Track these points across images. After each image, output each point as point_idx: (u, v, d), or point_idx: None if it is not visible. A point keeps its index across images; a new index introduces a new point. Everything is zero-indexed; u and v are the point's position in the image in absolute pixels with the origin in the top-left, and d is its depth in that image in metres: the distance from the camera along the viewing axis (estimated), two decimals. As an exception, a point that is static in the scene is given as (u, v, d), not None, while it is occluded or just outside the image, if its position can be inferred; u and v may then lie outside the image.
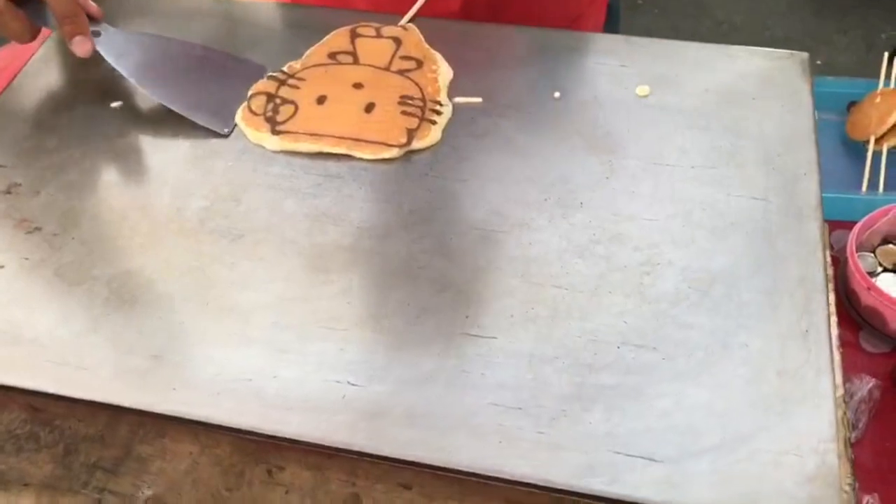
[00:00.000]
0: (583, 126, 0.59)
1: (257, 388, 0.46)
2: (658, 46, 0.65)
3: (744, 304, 0.48)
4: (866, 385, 0.71)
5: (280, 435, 0.45)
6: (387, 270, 0.51)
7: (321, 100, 0.60)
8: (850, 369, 0.72)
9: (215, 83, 0.61)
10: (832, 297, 0.67)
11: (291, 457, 0.49)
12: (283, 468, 0.49)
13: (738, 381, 0.45)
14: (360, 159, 0.57)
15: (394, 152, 0.57)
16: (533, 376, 0.46)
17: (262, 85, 0.62)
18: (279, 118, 0.59)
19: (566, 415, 0.44)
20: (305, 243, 0.53)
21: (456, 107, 0.61)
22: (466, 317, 0.49)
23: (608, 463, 0.43)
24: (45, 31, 0.66)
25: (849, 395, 0.71)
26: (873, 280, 0.76)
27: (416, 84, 0.61)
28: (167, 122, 0.61)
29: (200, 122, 0.59)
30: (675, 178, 0.55)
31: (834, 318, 0.67)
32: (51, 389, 0.47)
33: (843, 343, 0.65)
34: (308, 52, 0.65)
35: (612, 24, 0.90)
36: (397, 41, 0.64)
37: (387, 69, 0.63)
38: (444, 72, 0.63)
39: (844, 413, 0.62)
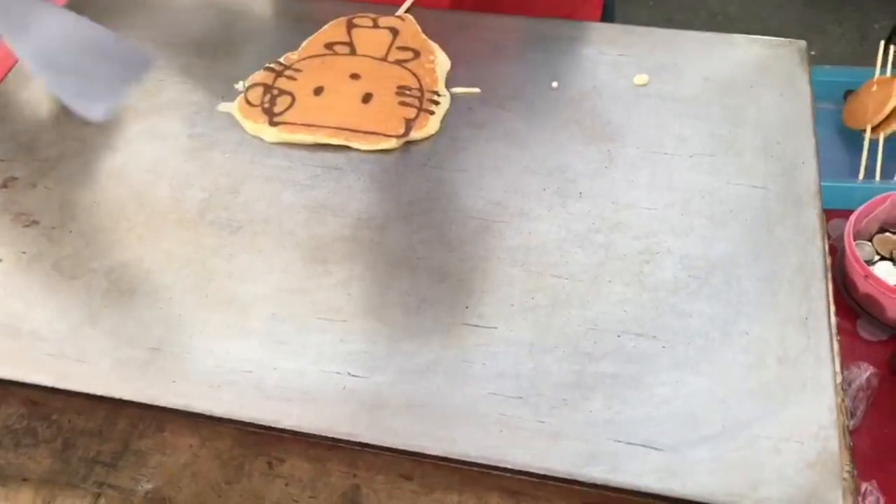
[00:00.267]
0: (581, 115, 0.59)
1: (257, 380, 0.46)
2: (656, 35, 0.64)
3: (743, 292, 0.48)
4: (864, 373, 0.71)
5: (280, 427, 0.45)
6: (386, 261, 0.51)
7: (318, 91, 0.60)
8: (847, 357, 0.72)
9: (98, 67, 0.57)
10: (830, 285, 0.68)
11: (292, 449, 0.48)
12: (283, 460, 0.49)
13: (738, 368, 0.45)
14: (359, 150, 0.57)
15: (392, 143, 0.57)
16: (533, 365, 0.46)
17: (260, 76, 0.62)
18: (276, 109, 0.59)
19: (566, 403, 0.44)
20: (304, 235, 0.53)
21: (454, 97, 0.61)
22: (466, 307, 0.49)
23: (609, 451, 0.43)
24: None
25: (847, 382, 0.71)
26: (870, 268, 0.76)
27: (414, 74, 0.61)
28: (164, 113, 0.61)
29: (77, 109, 0.55)
30: (674, 166, 0.55)
31: (832, 307, 0.67)
32: (49, 383, 0.47)
33: (841, 331, 0.65)
34: (305, 43, 0.64)
35: (607, 18, 0.90)
36: (394, 31, 0.64)
37: (384, 59, 0.62)
38: (442, 62, 0.62)
39: (842, 401, 0.62)
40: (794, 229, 0.51)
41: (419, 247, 0.52)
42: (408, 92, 0.60)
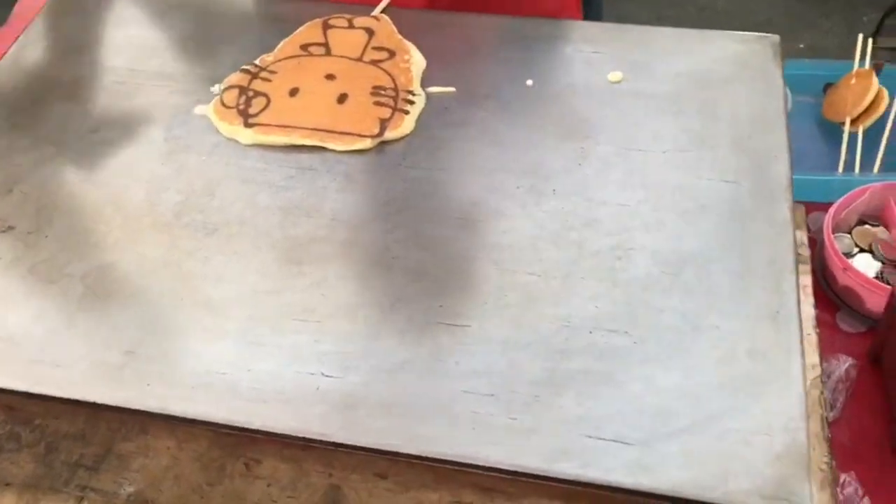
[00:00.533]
0: (556, 113, 0.59)
1: (232, 382, 0.46)
2: (631, 32, 0.65)
3: (715, 287, 0.49)
4: (843, 365, 0.72)
5: (254, 428, 0.45)
6: (361, 261, 0.51)
7: (293, 92, 0.60)
8: (827, 349, 0.73)
9: None
10: (809, 278, 0.68)
11: (268, 449, 0.49)
12: (259, 461, 0.49)
13: (709, 362, 0.46)
14: (334, 151, 0.57)
15: (366, 143, 0.57)
16: (506, 363, 0.46)
17: (235, 78, 0.62)
18: (252, 111, 0.59)
19: (539, 400, 0.45)
20: (279, 236, 0.53)
21: (429, 96, 0.61)
22: (441, 306, 0.49)
23: (581, 447, 0.43)
24: (16, 31, 0.66)
25: (826, 374, 0.71)
26: (849, 261, 0.77)
27: (389, 74, 0.61)
28: (140, 117, 0.61)
29: None
30: (648, 162, 0.56)
31: (811, 299, 0.68)
32: (24, 388, 0.47)
33: (821, 323, 0.66)
34: (280, 44, 0.64)
35: (594, 15, 0.90)
36: (370, 32, 0.64)
37: (359, 60, 0.62)
38: (418, 61, 0.63)
39: (822, 393, 0.63)
40: (765, 223, 0.52)
41: (394, 247, 0.52)
42: (383, 92, 0.60)
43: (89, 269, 0.52)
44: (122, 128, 0.60)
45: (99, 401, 0.46)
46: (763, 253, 0.50)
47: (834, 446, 0.59)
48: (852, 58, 0.96)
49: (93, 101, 0.62)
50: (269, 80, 0.61)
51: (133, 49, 0.66)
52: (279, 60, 0.63)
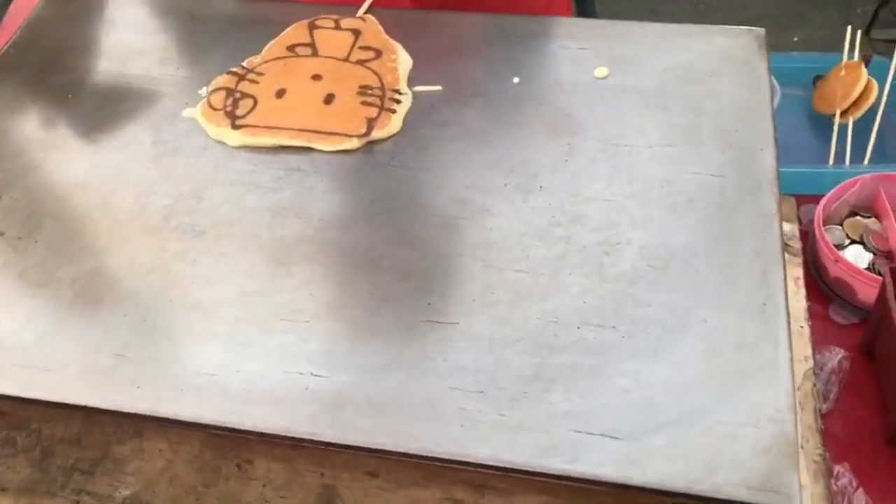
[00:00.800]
0: (542, 110, 0.59)
1: (221, 383, 0.46)
2: (617, 28, 0.65)
3: (701, 280, 0.49)
4: (836, 356, 0.72)
5: (244, 428, 0.45)
6: (349, 261, 0.52)
7: (280, 93, 0.60)
8: (820, 341, 0.73)
9: None
10: (800, 270, 0.68)
11: (259, 450, 0.49)
12: (251, 461, 0.49)
13: (697, 356, 0.46)
14: (321, 151, 0.58)
15: (354, 143, 0.57)
16: (493, 359, 0.46)
17: (222, 80, 0.62)
18: (239, 112, 0.59)
19: (527, 396, 0.45)
20: (267, 237, 0.53)
21: (416, 95, 0.61)
22: (428, 304, 0.49)
23: (569, 442, 0.43)
24: (4, 34, 0.66)
25: (819, 366, 0.71)
26: (841, 252, 0.77)
27: (376, 73, 0.61)
28: (127, 121, 0.61)
29: None
30: (634, 157, 0.56)
31: (803, 291, 0.68)
32: (14, 392, 0.47)
33: (813, 315, 0.66)
34: (267, 46, 0.65)
35: (588, 12, 0.90)
36: (356, 32, 0.65)
37: (346, 60, 0.63)
38: (404, 61, 0.63)
39: (814, 385, 0.63)
40: (751, 216, 0.52)
41: (381, 246, 0.52)
42: (369, 91, 0.60)
43: (79, 273, 0.52)
44: (110, 131, 0.61)
45: (90, 404, 0.46)
46: (750, 246, 0.50)
47: (827, 438, 0.59)
48: (843, 50, 0.96)
49: (81, 105, 0.63)
50: (256, 82, 0.61)
51: (121, 52, 0.66)
52: (266, 62, 0.63)
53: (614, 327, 0.47)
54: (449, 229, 0.53)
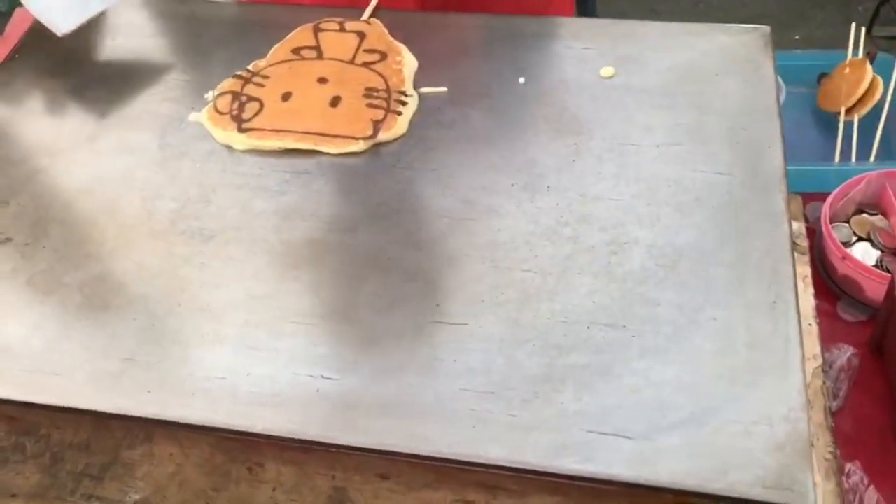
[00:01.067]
0: (548, 110, 0.59)
1: (230, 387, 0.46)
2: (621, 27, 0.65)
3: (710, 279, 0.49)
4: (845, 354, 0.72)
5: (254, 431, 0.45)
6: (356, 263, 0.52)
7: (286, 96, 0.60)
8: (828, 339, 0.72)
9: None
10: (808, 268, 0.68)
11: (269, 453, 0.49)
12: (262, 465, 0.49)
13: (707, 354, 0.46)
14: (328, 154, 0.57)
15: (360, 145, 0.57)
16: (504, 360, 0.46)
17: (228, 84, 0.62)
18: (245, 116, 0.59)
19: (537, 396, 0.45)
20: (275, 240, 0.53)
21: (422, 97, 0.61)
22: (437, 305, 0.49)
23: (581, 442, 0.43)
24: (9, 41, 0.66)
25: (828, 364, 0.71)
26: (848, 250, 0.77)
27: (381, 76, 0.61)
28: (135, 126, 0.61)
29: (46, 21, 0.60)
30: (641, 156, 0.56)
31: (811, 289, 0.67)
32: (23, 397, 0.47)
33: (821, 313, 0.66)
34: (272, 49, 0.65)
35: (589, 12, 0.90)
36: (361, 35, 0.65)
37: (351, 62, 0.63)
38: (409, 62, 0.63)
39: (824, 382, 0.63)
40: (760, 214, 0.52)
41: (389, 247, 0.52)
42: (375, 94, 0.60)
43: (87, 278, 0.52)
44: (116, 136, 0.61)
45: (98, 409, 0.46)
46: (758, 244, 0.50)
47: (838, 435, 0.59)
48: (847, 48, 0.96)
49: (86, 110, 0.63)
50: (261, 86, 0.61)
51: (126, 57, 0.66)
52: (271, 65, 0.63)
53: (624, 327, 0.47)
54: (456, 230, 0.53)
